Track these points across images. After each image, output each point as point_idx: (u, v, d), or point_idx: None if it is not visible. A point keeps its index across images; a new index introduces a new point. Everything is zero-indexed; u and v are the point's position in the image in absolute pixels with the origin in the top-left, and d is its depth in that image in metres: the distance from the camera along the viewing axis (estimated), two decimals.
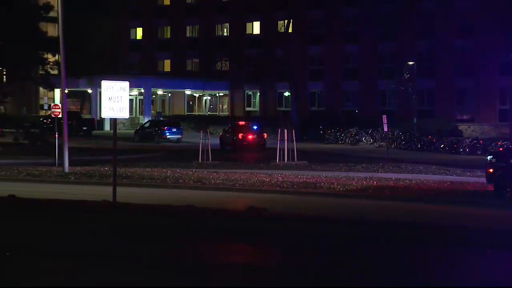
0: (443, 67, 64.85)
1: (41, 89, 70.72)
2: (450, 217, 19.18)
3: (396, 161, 38.07)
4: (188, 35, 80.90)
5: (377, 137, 54.82)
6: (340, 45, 70.02)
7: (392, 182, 26.83)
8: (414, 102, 58.93)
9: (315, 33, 71.80)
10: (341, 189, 24.49)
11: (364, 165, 34.38)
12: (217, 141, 49.04)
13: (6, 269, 11.99)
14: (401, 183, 26.62)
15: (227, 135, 50.56)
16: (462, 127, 60.21)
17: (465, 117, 63.98)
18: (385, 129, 45.40)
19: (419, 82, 61.41)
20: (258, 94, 76.81)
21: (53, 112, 36.16)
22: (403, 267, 12.57)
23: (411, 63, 60.47)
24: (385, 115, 45.54)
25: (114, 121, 21.40)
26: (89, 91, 74.39)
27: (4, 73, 52.09)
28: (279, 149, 37.08)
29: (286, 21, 67.80)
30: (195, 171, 30.52)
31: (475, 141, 47.58)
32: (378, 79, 68.35)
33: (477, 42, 62.63)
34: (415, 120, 57.00)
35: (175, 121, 61.79)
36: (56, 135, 33.95)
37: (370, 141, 55.75)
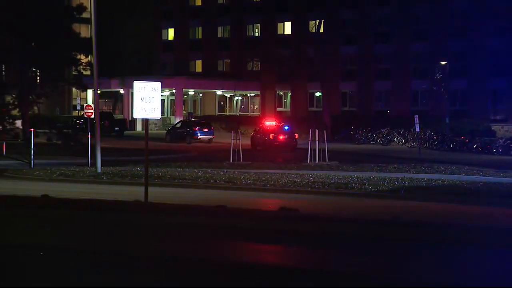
0: (476, 67, 64.31)
1: (74, 89, 71.30)
2: (485, 218, 18.99)
3: (428, 162, 37.80)
4: (219, 35, 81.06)
5: (409, 137, 54.50)
6: (373, 45, 69.73)
7: (424, 182, 26.64)
8: (446, 102, 58.48)
9: (347, 33, 71.60)
10: (372, 189, 24.35)
11: (395, 166, 34.16)
12: (248, 141, 49.05)
13: (37, 268, 12.08)
14: (434, 183, 26.42)
15: (258, 135, 50.60)
16: (495, 127, 59.63)
17: (498, 117, 63.38)
18: (417, 129, 45.12)
19: (452, 82, 60.94)
20: (290, 94, 76.75)
21: (85, 112, 36.47)
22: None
23: (443, 63, 60.03)
24: (417, 115, 45.26)
25: (146, 122, 21.50)
26: (121, 91, 74.82)
27: (38, 74, 52.61)
28: (310, 149, 37.00)
29: (317, 21, 67.69)
30: (226, 171, 30.55)
31: (508, 142, 47.10)
32: (410, 79, 67.99)
33: (511, 42, 62.02)
34: (447, 120, 56.57)
35: (206, 122, 61.92)
36: (89, 136, 34.22)
37: (402, 141, 55.44)
